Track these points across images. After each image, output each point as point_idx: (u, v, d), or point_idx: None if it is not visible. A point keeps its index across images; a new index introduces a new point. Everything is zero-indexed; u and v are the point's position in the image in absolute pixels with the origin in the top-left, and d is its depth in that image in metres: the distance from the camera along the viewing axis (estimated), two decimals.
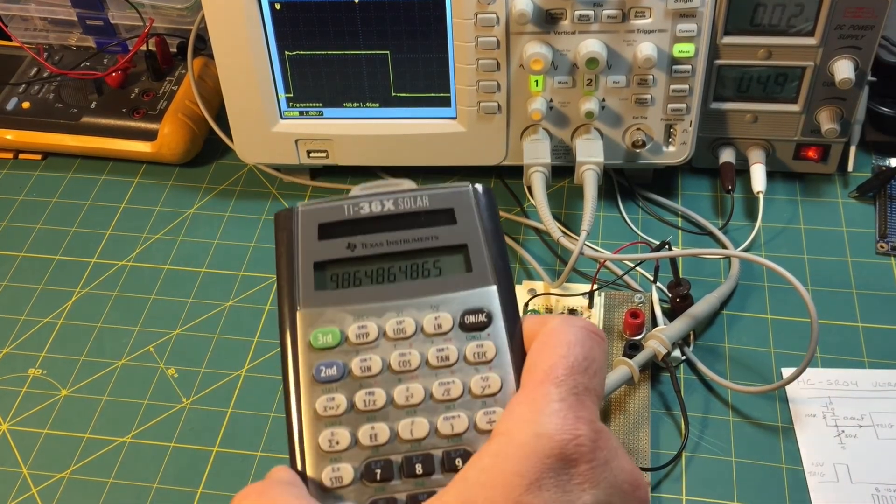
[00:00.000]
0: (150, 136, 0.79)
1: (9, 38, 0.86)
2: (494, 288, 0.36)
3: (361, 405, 0.35)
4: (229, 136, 0.75)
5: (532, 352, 0.35)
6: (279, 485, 0.33)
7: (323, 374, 0.35)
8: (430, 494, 0.33)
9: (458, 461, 0.34)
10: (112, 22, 0.85)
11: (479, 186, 0.38)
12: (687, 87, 0.67)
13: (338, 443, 0.34)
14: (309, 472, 0.34)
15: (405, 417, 0.35)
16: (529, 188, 0.70)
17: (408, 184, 0.39)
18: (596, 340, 0.35)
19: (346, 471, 0.34)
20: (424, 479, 0.34)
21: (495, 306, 0.36)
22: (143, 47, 0.82)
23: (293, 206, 0.38)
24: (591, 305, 0.65)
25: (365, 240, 0.37)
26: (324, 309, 0.36)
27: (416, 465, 0.34)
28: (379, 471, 0.34)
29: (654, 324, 0.65)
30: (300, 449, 0.35)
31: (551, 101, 0.68)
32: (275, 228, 0.38)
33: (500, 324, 0.36)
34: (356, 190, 0.39)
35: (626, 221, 0.73)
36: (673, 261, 0.65)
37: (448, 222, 0.38)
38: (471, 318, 0.36)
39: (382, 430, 0.34)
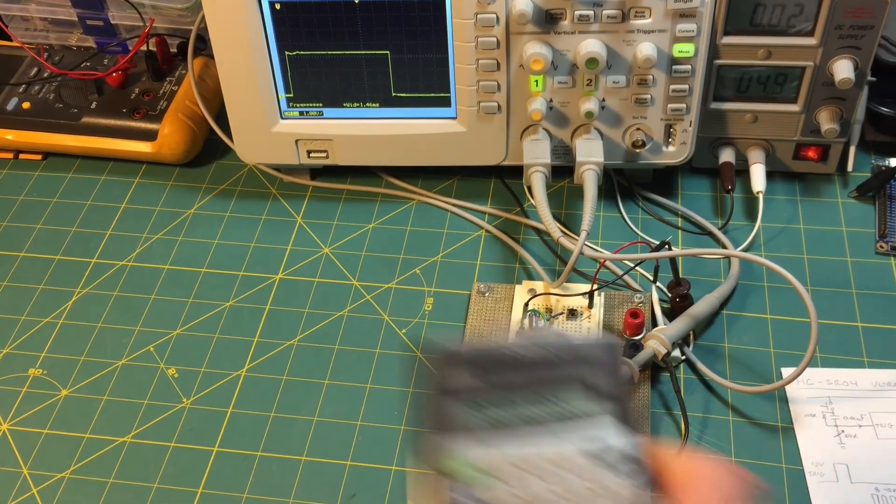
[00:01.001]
0: (150, 136, 0.79)
1: (9, 38, 0.86)
2: (636, 440, 0.36)
3: None
4: (229, 136, 0.75)
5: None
6: None
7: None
8: None
9: None
10: (112, 22, 0.85)
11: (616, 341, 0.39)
12: (687, 87, 0.67)
13: None
14: None
15: None
16: (529, 188, 0.70)
17: (573, 338, 0.39)
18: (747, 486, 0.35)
19: None
20: None
21: (634, 456, 0.35)
22: (144, 47, 0.82)
23: (447, 346, 0.39)
24: (590, 305, 0.65)
25: (510, 379, 0.37)
26: (462, 443, 0.36)
27: None
28: None
29: (654, 324, 0.65)
30: None
31: (551, 101, 0.69)
32: (430, 364, 0.39)
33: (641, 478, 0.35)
34: (516, 338, 0.39)
35: (625, 221, 0.73)
36: (673, 261, 0.65)
37: (603, 374, 0.38)
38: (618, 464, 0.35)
39: None
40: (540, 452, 0.35)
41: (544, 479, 0.35)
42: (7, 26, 0.87)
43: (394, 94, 0.71)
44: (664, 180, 0.75)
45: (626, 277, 0.68)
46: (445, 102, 0.71)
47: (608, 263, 0.68)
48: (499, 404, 0.37)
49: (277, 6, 0.67)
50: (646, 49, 0.64)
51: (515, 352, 0.38)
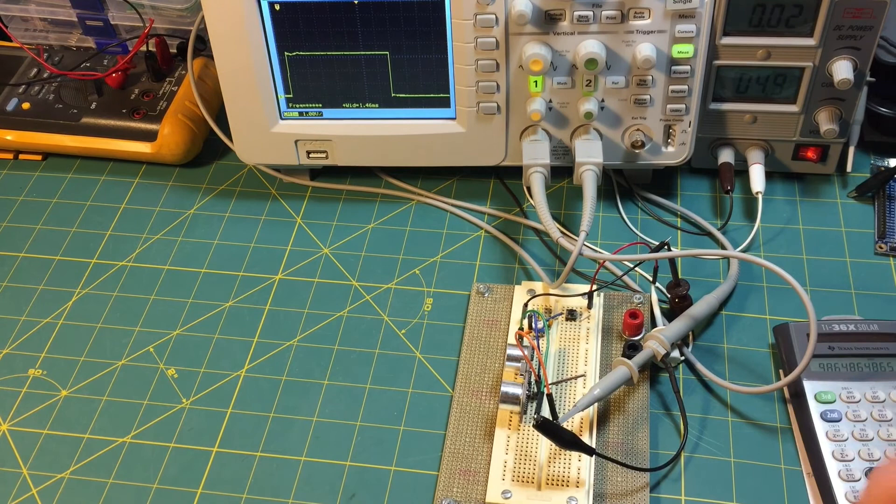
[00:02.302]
0: (150, 136, 0.79)
1: (9, 39, 0.86)
2: None
3: (858, 435, 0.56)
4: (229, 136, 0.75)
5: None
6: None
7: (828, 416, 0.57)
8: None
9: None
10: (112, 22, 0.85)
11: None
12: (686, 87, 0.67)
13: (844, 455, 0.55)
14: None
15: (888, 446, 0.55)
16: (529, 189, 0.70)
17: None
18: None
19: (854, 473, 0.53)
20: None
21: None
22: (143, 48, 0.82)
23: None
24: (590, 306, 0.65)
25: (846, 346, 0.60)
26: (825, 381, 0.58)
27: None
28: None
29: (654, 324, 0.65)
30: None
31: (550, 101, 0.69)
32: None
33: None
34: None
35: (625, 222, 0.73)
36: (672, 261, 0.65)
37: None
38: None
39: (874, 452, 0.55)
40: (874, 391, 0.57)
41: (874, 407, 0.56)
42: (7, 27, 0.87)
43: (393, 95, 0.71)
44: (663, 181, 0.75)
45: (626, 278, 0.68)
46: (445, 103, 0.71)
47: (607, 264, 0.68)
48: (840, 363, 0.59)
49: (277, 6, 0.67)
50: (645, 50, 0.64)
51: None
